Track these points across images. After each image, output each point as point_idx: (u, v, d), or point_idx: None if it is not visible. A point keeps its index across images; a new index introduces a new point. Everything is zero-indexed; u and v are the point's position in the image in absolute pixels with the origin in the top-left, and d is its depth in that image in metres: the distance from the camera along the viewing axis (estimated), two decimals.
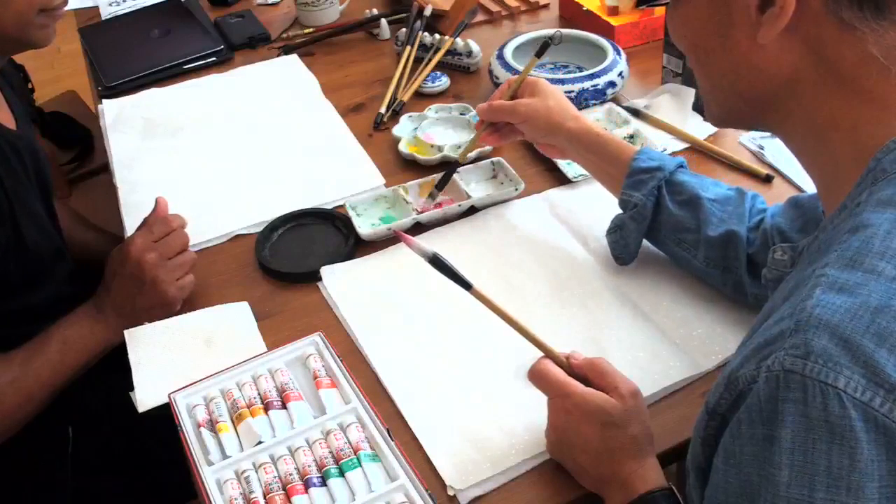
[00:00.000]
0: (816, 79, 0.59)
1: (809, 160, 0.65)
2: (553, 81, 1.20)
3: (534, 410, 0.81)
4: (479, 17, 1.58)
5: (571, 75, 1.27)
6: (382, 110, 1.32)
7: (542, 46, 1.04)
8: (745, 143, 1.18)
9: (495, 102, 1.05)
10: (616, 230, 0.97)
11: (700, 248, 0.91)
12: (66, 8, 1.07)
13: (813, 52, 0.58)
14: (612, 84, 1.26)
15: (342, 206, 1.11)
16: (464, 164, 1.13)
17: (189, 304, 1.00)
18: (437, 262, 0.75)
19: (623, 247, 0.97)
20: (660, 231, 0.95)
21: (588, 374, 0.76)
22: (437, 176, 1.13)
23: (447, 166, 1.14)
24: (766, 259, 0.73)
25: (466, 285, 0.76)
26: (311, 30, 1.62)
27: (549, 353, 0.77)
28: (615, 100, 1.28)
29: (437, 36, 1.45)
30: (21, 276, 1.04)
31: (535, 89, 1.04)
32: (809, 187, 1.08)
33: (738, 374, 0.53)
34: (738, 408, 0.53)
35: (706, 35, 0.64)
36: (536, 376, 0.77)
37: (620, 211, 0.97)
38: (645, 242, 0.99)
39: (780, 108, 0.63)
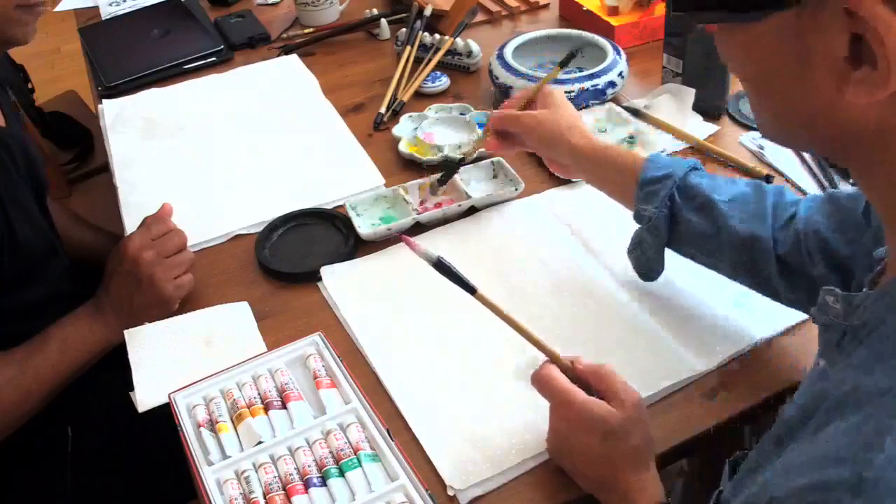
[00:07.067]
0: None
1: (893, 213, 0.54)
2: (553, 81, 1.20)
3: (534, 410, 0.81)
4: (479, 17, 1.58)
5: (571, 75, 1.27)
6: (382, 110, 1.32)
7: (568, 57, 1.07)
8: (746, 143, 1.18)
9: (502, 112, 1.02)
10: (636, 247, 0.92)
11: (724, 254, 0.85)
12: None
13: None
14: (612, 84, 1.26)
15: (342, 206, 1.11)
16: (465, 164, 1.14)
17: (189, 304, 1.00)
18: (441, 267, 0.76)
19: (644, 262, 0.92)
20: (681, 240, 0.89)
21: (591, 380, 0.75)
22: (437, 176, 1.13)
23: (447, 166, 1.14)
24: (798, 261, 0.68)
25: (471, 289, 0.76)
26: (311, 30, 1.62)
27: (553, 358, 0.77)
28: (615, 100, 1.28)
29: (437, 36, 1.45)
30: (14, 273, 1.04)
31: (547, 101, 1.00)
32: (810, 188, 1.08)
33: None
34: None
35: (772, 72, 0.52)
36: (540, 382, 0.76)
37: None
38: None
39: (861, 156, 0.53)
